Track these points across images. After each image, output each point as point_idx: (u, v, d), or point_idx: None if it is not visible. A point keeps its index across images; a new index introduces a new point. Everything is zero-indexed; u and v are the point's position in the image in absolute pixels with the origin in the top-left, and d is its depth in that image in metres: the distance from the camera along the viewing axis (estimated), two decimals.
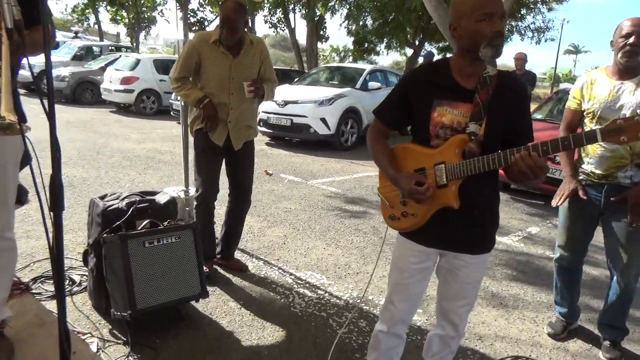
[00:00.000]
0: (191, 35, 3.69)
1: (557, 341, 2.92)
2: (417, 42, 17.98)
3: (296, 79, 11.24)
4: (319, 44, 21.30)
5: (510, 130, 1.73)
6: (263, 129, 9.49)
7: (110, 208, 2.75)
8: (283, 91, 9.71)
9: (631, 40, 2.40)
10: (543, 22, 19.20)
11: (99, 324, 2.72)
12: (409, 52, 19.07)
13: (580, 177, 2.69)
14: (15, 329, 2.10)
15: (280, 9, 19.75)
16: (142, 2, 23.90)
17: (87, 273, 2.98)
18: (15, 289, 2.56)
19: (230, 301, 3.11)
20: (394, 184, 1.85)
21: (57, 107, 12.43)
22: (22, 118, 1.29)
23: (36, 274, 3.24)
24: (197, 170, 3.35)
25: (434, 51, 16.50)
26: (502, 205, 6.04)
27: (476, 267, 1.87)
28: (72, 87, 13.57)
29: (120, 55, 14.51)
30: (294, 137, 9.51)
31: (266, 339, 2.71)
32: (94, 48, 17.25)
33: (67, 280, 3.17)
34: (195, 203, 3.43)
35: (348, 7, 17.58)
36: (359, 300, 3.22)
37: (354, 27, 18.66)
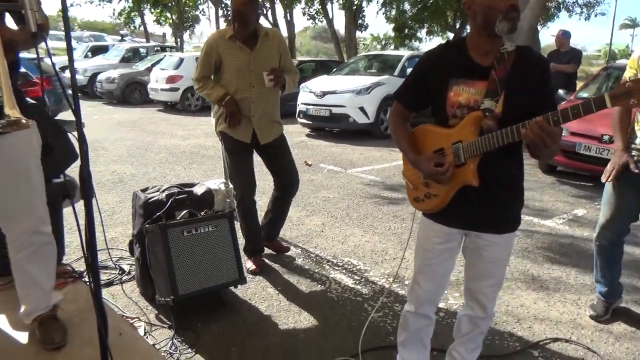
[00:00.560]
0: None
1: (599, 323, 2.84)
2: (458, 26, 17.54)
3: (334, 69, 11.24)
4: (359, 33, 21.18)
5: (532, 104, 1.70)
6: (302, 120, 9.58)
7: (151, 200, 2.90)
8: (321, 82, 9.76)
9: None
10: None
11: (146, 309, 2.88)
12: (451, 36, 18.65)
13: (633, 154, 2.60)
14: (67, 314, 2.27)
15: (318, 0, 19.72)
16: (184, 1, 24.49)
17: (134, 262, 3.16)
18: (68, 277, 2.75)
19: (268, 287, 3.22)
20: (415, 167, 1.87)
21: (108, 108, 13.18)
22: (26, 114, 1.37)
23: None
24: (230, 172, 3.40)
25: None
26: (548, 187, 5.87)
27: (501, 246, 1.86)
28: (121, 89, 14.16)
29: (165, 55, 14.99)
30: (333, 127, 9.54)
31: (302, 323, 2.79)
32: (141, 50, 17.91)
33: (117, 270, 3.38)
34: (235, 202, 3.44)
35: None
36: (389, 284, 3.24)
37: (392, 14, 18.40)
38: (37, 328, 2.09)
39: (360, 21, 20.04)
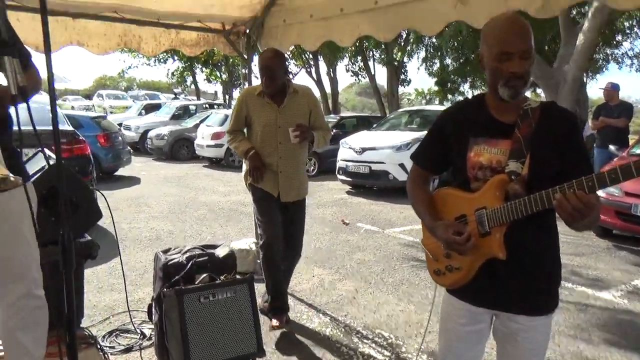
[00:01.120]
0: None
1: None
2: None
3: (374, 125, 11.25)
4: (403, 88, 21.38)
5: (563, 165, 1.52)
6: (342, 177, 9.52)
7: (171, 262, 2.82)
8: (361, 138, 9.74)
9: None
10: None
11: None
12: None
13: None
14: None
15: (360, 57, 20.19)
16: (232, 61, 25.70)
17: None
18: (82, 342, 2.67)
19: None
20: (432, 235, 1.69)
21: (157, 164, 13.63)
22: (23, 172, 1.31)
23: (113, 326, 3.40)
24: (258, 217, 3.36)
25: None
26: (603, 253, 5.40)
27: (538, 331, 1.62)
28: (170, 145, 14.71)
29: (212, 112, 15.56)
30: (373, 184, 9.41)
31: None
32: (190, 107, 18.71)
33: (139, 334, 3.28)
34: (261, 253, 3.36)
35: (425, 48, 17.55)
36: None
37: (434, 69, 18.52)
38: None
39: (402, 76, 20.28)
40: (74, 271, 2.27)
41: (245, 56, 4.44)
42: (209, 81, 28.22)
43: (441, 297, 1.81)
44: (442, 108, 11.00)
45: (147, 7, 3.69)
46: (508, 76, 1.48)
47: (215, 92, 38.21)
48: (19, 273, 1.92)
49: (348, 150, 9.40)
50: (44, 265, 2.03)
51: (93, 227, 6.25)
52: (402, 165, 8.69)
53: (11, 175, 1.30)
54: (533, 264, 1.58)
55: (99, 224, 6.29)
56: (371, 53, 20.29)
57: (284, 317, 3.41)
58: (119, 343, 3.19)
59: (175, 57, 26.00)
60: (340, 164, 9.50)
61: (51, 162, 2.22)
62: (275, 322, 3.35)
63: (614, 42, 16.73)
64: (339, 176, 9.63)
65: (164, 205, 7.81)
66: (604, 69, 18.60)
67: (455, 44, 15.39)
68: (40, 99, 7.98)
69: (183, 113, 17.74)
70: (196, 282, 2.76)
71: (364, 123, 12.59)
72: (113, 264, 4.65)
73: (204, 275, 2.80)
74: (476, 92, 20.69)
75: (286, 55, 3.38)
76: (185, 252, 2.98)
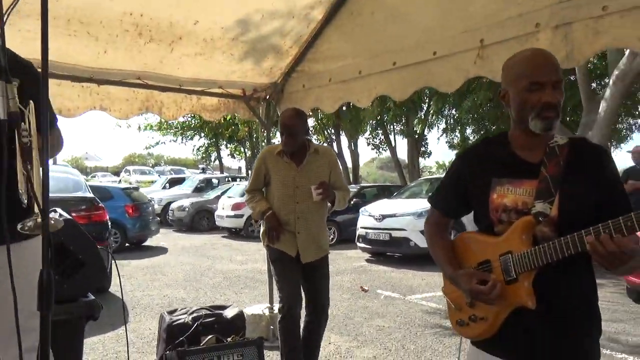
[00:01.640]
0: None
1: None
2: None
3: (395, 193, 11.17)
4: (423, 160, 21.49)
5: (597, 204, 1.39)
6: (362, 245, 9.33)
7: (176, 323, 2.69)
8: (381, 205, 9.66)
9: None
10: None
11: None
12: None
13: None
14: None
15: (381, 130, 20.55)
16: (256, 136, 26.48)
17: None
18: None
19: None
20: (454, 285, 1.56)
21: (176, 235, 13.66)
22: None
23: None
24: (276, 280, 3.21)
25: None
26: None
27: None
28: (191, 216, 14.81)
29: (233, 184, 15.78)
30: (393, 252, 9.17)
31: None
32: (213, 180, 19.05)
33: None
34: (279, 317, 3.15)
35: (445, 120, 17.79)
36: None
37: (455, 141, 18.65)
38: None
39: (423, 148, 20.44)
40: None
41: (265, 121, 4.51)
42: (233, 157, 28.92)
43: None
44: None
45: (170, 73, 3.83)
46: (541, 106, 1.40)
47: (239, 168, 39.12)
48: (29, 326, 1.81)
49: (368, 217, 9.28)
50: None
51: (103, 293, 6.15)
52: (423, 232, 8.48)
53: (52, 218, 1.24)
54: (568, 313, 1.42)
55: (110, 291, 6.23)
56: (392, 127, 20.67)
57: None
58: None
59: (202, 134, 26.93)
60: (360, 231, 9.35)
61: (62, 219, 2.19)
62: None
63: (637, 112, 16.68)
64: (358, 244, 9.43)
65: (179, 274, 7.70)
66: (629, 138, 18.45)
67: (475, 116, 15.59)
68: (67, 169, 8.25)
69: (205, 186, 18.04)
70: (202, 344, 2.61)
71: (385, 192, 12.55)
72: (120, 331, 4.50)
73: (211, 336, 2.66)
74: None
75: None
76: (192, 312, 2.86)
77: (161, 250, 10.46)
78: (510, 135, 1.54)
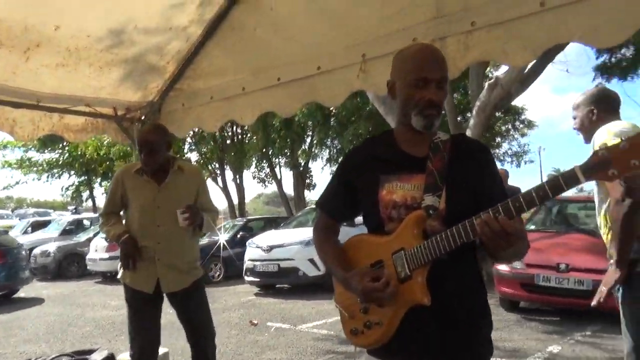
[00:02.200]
0: None
1: None
2: None
3: (282, 224, 11.09)
4: (309, 193, 21.80)
5: (479, 195, 1.40)
6: (250, 278, 9.04)
7: None
8: (268, 236, 9.52)
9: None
10: (519, 147, 20.17)
11: None
12: None
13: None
14: None
15: (267, 163, 20.52)
16: None
17: None
18: None
19: None
20: (347, 288, 1.46)
21: (40, 284, 12.10)
22: None
23: None
24: (128, 328, 2.87)
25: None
26: (514, 325, 5.44)
27: None
28: (57, 262, 13.26)
29: None
30: (283, 282, 9.00)
31: None
32: (84, 221, 17.30)
33: None
34: None
35: (329, 150, 18.31)
36: None
37: None
38: None
39: (307, 180, 20.76)
40: None
41: None
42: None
43: None
44: None
45: (25, 87, 3.33)
46: (424, 104, 1.39)
47: None
48: None
49: (255, 249, 9.04)
50: None
51: None
52: (312, 261, 8.44)
53: None
54: (462, 307, 1.40)
55: None
56: (277, 160, 20.74)
57: None
58: None
59: (72, 171, 24.63)
60: (247, 264, 9.06)
61: None
62: None
63: (495, 144, 18.71)
64: (246, 278, 9.12)
65: (40, 327, 6.73)
66: None
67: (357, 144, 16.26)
68: None
69: (76, 228, 16.34)
70: None
71: (272, 224, 12.39)
72: None
73: None
74: None
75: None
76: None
77: (21, 303, 9.11)
78: (395, 132, 1.53)
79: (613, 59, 11.83)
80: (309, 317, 6.53)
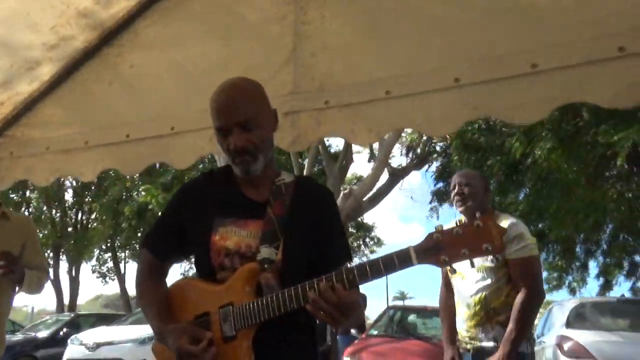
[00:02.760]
0: None
1: None
2: None
3: (115, 321, 9.92)
4: None
5: (316, 253, 1.34)
6: None
7: None
8: (96, 333, 8.48)
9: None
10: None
11: None
12: None
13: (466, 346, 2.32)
14: None
15: (111, 254, 18.70)
16: None
17: None
18: None
19: None
20: (161, 342, 1.29)
21: None
22: None
23: None
24: None
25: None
26: None
27: None
28: None
29: None
30: None
31: None
32: None
33: None
34: None
35: None
36: None
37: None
38: None
39: None
40: None
41: None
42: None
43: None
44: None
45: None
46: (232, 152, 1.32)
47: None
48: None
49: (78, 347, 7.91)
50: None
51: None
52: None
53: None
54: None
55: None
56: (124, 253, 19.03)
57: None
58: None
59: None
60: None
61: None
62: None
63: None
64: None
65: None
66: None
67: None
68: None
69: None
70: None
71: (105, 321, 10.99)
72: None
73: None
74: None
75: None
76: None
77: None
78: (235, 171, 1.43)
79: (447, 187, 13.58)
80: None
